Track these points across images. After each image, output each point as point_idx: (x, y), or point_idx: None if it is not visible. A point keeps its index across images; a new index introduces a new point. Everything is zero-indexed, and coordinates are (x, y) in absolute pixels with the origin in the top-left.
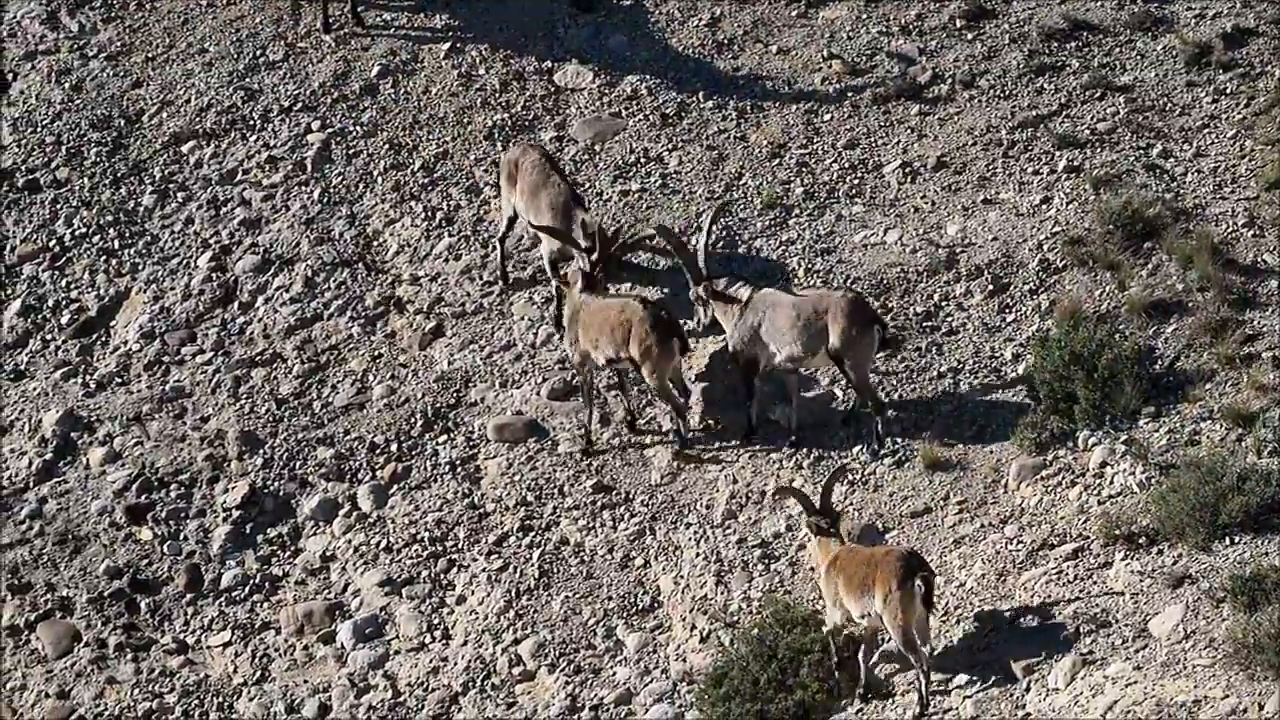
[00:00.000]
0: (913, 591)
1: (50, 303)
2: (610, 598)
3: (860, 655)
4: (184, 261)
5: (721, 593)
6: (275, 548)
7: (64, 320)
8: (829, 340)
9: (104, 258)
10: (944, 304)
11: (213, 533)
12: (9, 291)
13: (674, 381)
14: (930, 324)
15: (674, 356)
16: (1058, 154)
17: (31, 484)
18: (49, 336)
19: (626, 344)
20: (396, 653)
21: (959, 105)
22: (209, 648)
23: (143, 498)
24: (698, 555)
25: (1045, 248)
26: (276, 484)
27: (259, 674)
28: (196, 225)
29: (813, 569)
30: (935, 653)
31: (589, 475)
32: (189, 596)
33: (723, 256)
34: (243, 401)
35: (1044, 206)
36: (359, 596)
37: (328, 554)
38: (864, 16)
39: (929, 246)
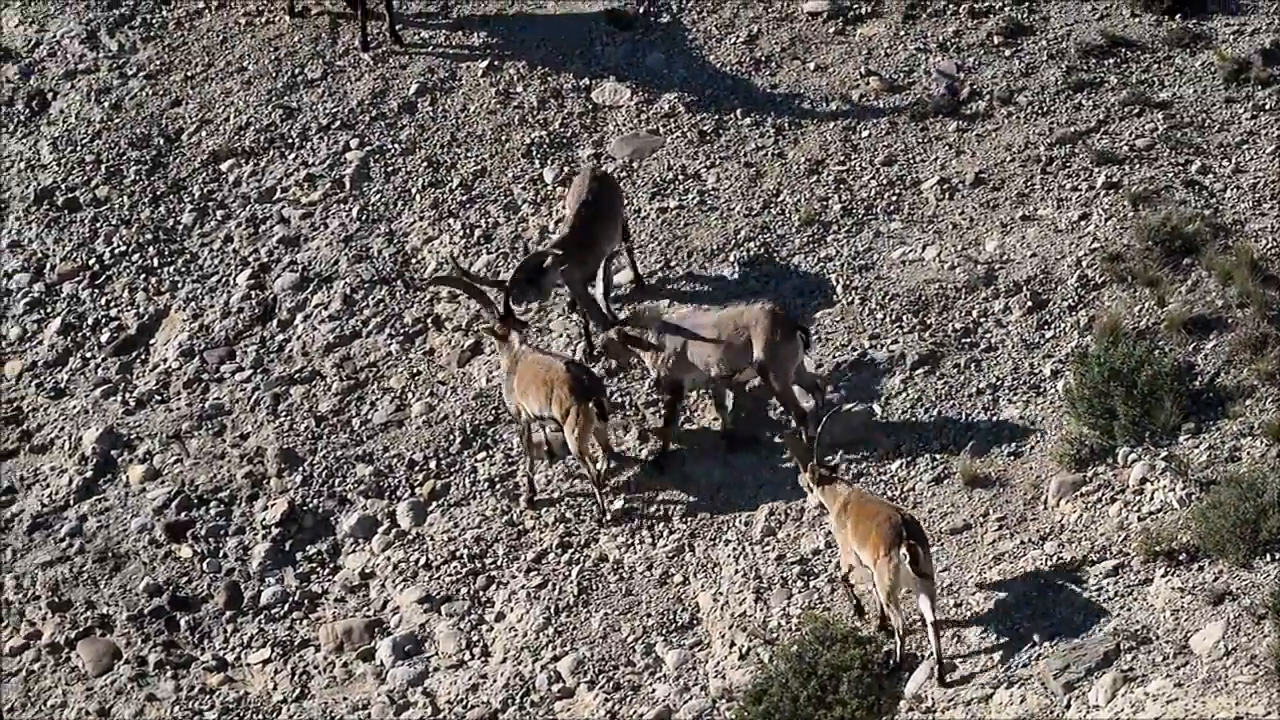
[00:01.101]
0: (898, 560)
1: (90, 321)
2: (649, 614)
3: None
4: (223, 279)
5: (761, 609)
6: (314, 565)
7: (104, 338)
8: (753, 353)
9: (143, 276)
10: (982, 320)
11: (252, 550)
12: (49, 310)
13: (600, 442)
14: (969, 340)
15: (593, 420)
16: (1096, 170)
17: (72, 502)
18: (89, 354)
19: (550, 403)
20: (436, 670)
21: (997, 122)
22: (249, 665)
23: (182, 515)
24: (737, 572)
25: (1084, 264)
26: (316, 501)
27: (298, 691)
28: (235, 243)
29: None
30: (948, 633)
31: (625, 495)
32: (228, 614)
33: (761, 274)
34: (282, 419)
35: (1083, 223)
36: (398, 613)
37: (367, 571)
38: (902, 33)
39: (967, 263)
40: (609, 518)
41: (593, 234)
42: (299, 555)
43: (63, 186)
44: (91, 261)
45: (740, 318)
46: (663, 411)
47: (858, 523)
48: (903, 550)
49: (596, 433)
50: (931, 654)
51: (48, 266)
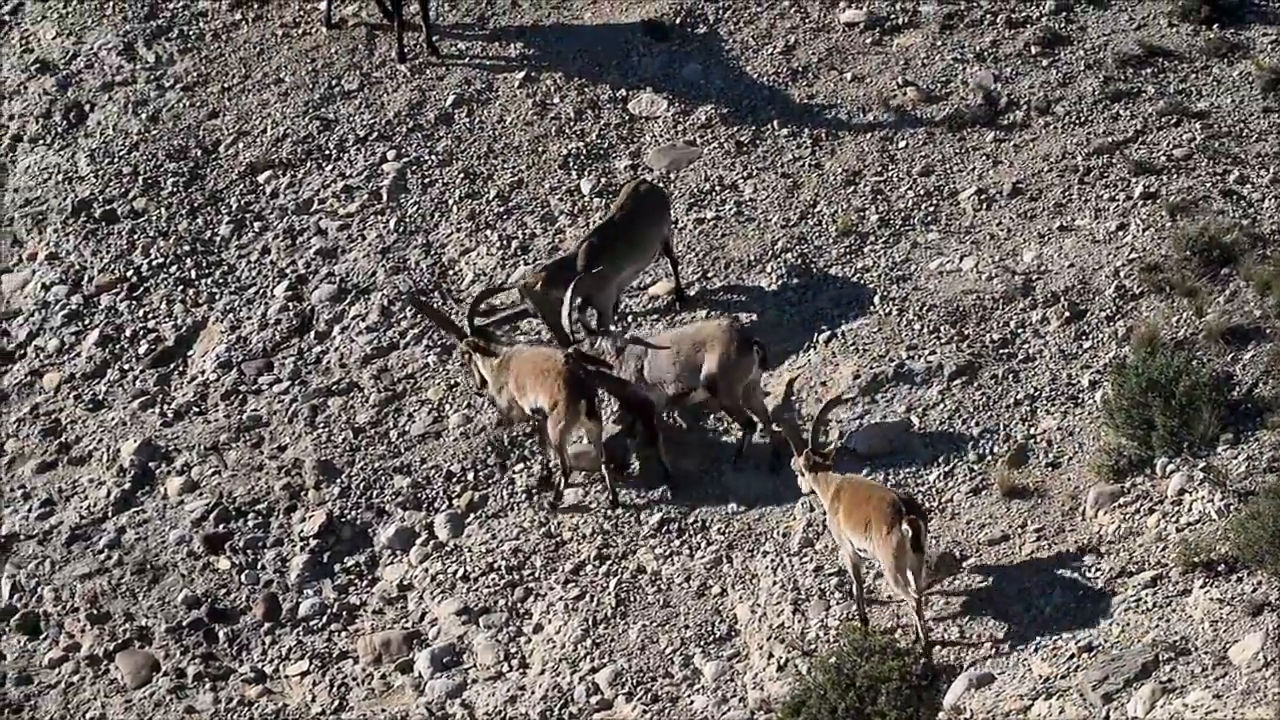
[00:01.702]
0: (900, 536)
1: (128, 333)
2: (687, 626)
3: (853, 587)
4: (260, 291)
5: (799, 621)
6: (352, 577)
7: (141, 350)
8: (706, 368)
9: (181, 288)
10: (1020, 331)
11: (290, 562)
12: (87, 322)
13: (591, 441)
14: (1006, 351)
15: (579, 417)
16: (1134, 180)
17: (110, 514)
18: (127, 366)
19: (541, 392)
20: (474, 681)
21: (1034, 132)
22: (287, 677)
23: (220, 527)
24: (775, 583)
25: (1122, 274)
26: (353, 513)
27: (337, 703)
28: (273, 255)
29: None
30: (929, 599)
31: (660, 507)
32: (267, 626)
33: (798, 284)
34: (319, 431)
35: (1120, 233)
36: (436, 625)
37: (405, 583)
38: (939, 44)
39: (1005, 274)
40: (560, 507)
41: (608, 251)
42: (337, 567)
43: (100, 198)
44: (129, 273)
45: (698, 334)
46: (641, 430)
47: (851, 508)
48: (904, 526)
49: (587, 432)
50: (922, 636)
51: (85, 279)
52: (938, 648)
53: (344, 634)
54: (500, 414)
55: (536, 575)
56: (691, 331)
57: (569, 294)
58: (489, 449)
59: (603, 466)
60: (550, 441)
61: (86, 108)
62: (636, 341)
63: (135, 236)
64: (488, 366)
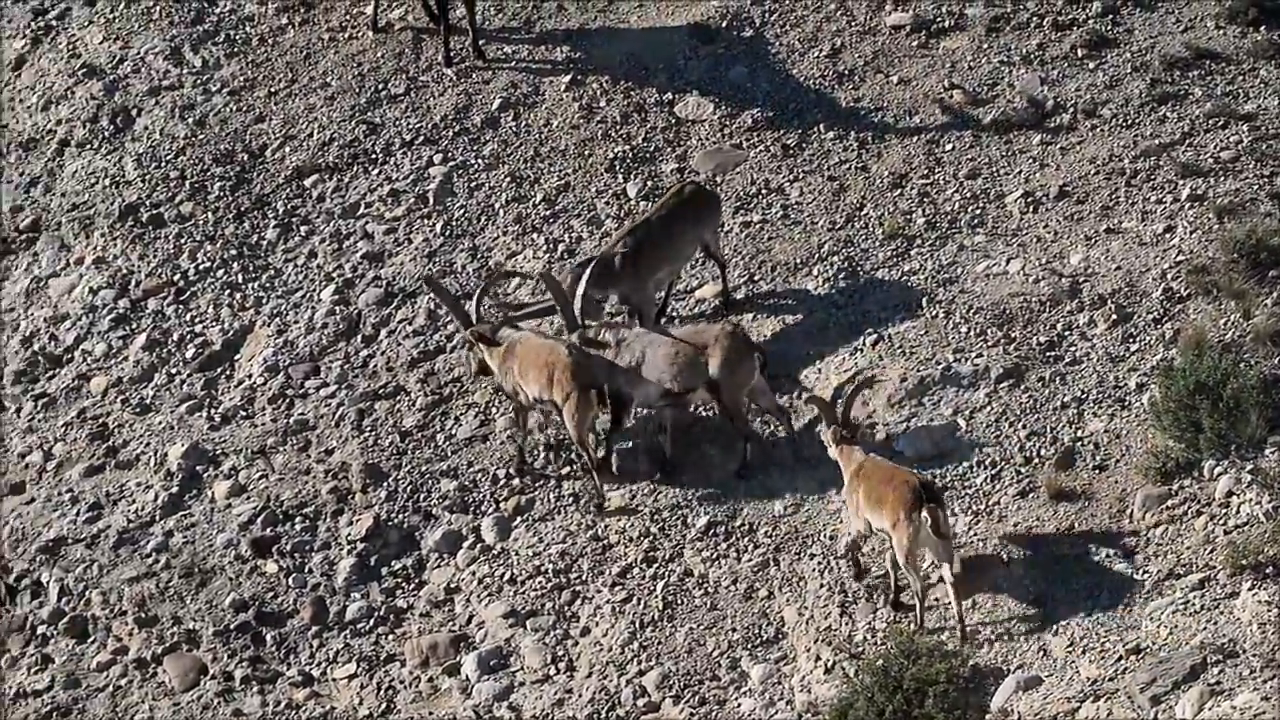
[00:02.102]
0: (918, 523)
1: (175, 337)
2: (734, 629)
3: (889, 565)
4: (307, 295)
5: (846, 623)
6: (400, 580)
7: (189, 354)
8: (709, 372)
9: (228, 292)
10: (1067, 334)
11: (337, 565)
12: (134, 326)
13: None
14: (1053, 354)
15: (592, 406)
16: (1181, 183)
17: (157, 517)
18: (174, 370)
19: (550, 386)
20: (521, 684)
21: (1081, 134)
22: (334, 680)
23: (268, 531)
24: (822, 586)
25: (1169, 277)
26: (400, 516)
27: (384, 706)
28: (320, 259)
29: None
30: (959, 580)
31: (710, 509)
32: (314, 629)
33: (844, 287)
34: (366, 434)
35: (1167, 235)
36: (483, 628)
37: (452, 586)
38: (985, 46)
39: (1051, 276)
40: (608, 505)
41: (642, 250)
42: (384, 570)
43: (147, 203)
44: (176, 278)
45: (699, 336)
46: (611, 422)
47: (871, 487)
48: (924, 513)
49: (596, 420)
50: (957, 621)
51: (133, 283)
52: (982, 650)
53: (391, 637)
54: (509, 399)
55: (584, 578)
56: (693, 332)
57: (584, 279)
58: (535, 452)
59: (589, 461)
60: (571, 436)
61: (133, 112)
62: (634, 341)
63: (182, 241)
64: (493, 355)
